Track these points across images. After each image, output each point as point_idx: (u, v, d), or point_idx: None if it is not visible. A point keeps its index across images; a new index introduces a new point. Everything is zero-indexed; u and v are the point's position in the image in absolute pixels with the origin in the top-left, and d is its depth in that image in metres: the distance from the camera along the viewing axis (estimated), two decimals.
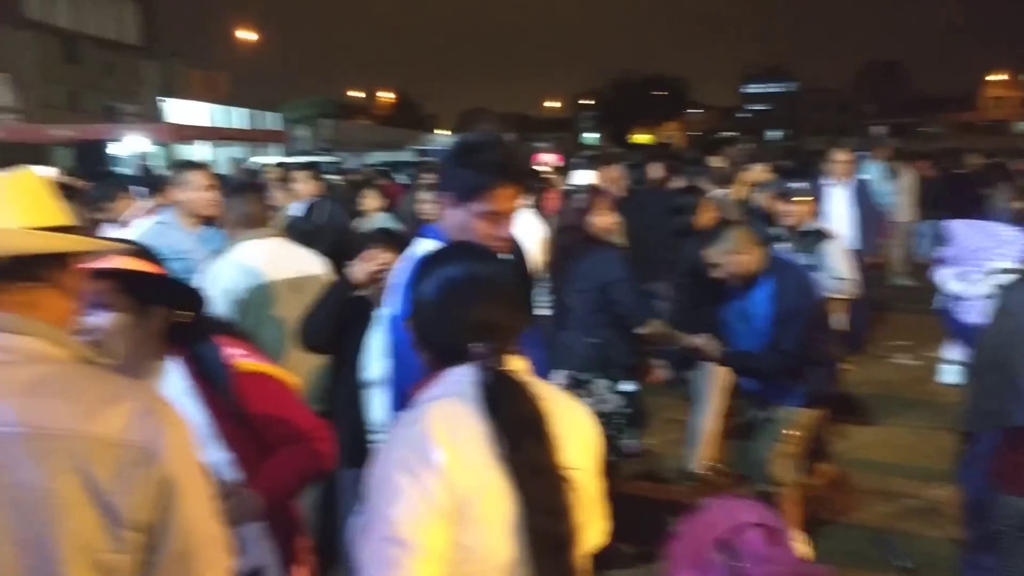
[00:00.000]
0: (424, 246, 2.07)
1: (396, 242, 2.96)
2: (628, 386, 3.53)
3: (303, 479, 2.04)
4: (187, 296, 1.96)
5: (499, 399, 1.44)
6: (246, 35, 41.28)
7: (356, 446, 2.76)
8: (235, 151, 26.28)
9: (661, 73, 75.47)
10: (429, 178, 6.09)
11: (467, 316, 1.50)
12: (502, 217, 2.10)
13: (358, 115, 57.75)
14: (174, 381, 1.89)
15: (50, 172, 8.45)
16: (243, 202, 3.43)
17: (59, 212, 1.32)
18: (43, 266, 1.27)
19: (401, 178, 13.27)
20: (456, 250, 1.72)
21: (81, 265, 1.35)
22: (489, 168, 2.07)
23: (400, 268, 2.14)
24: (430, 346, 1.55)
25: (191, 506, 1.25)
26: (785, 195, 4.76)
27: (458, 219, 2.09)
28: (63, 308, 1.32)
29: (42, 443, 1.17)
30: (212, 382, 1.91)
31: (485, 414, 1.43)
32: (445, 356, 1.52)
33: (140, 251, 1.90)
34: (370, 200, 6.80)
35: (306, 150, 29.72)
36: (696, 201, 4.64)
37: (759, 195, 5.65)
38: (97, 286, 1.71)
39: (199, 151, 24.65)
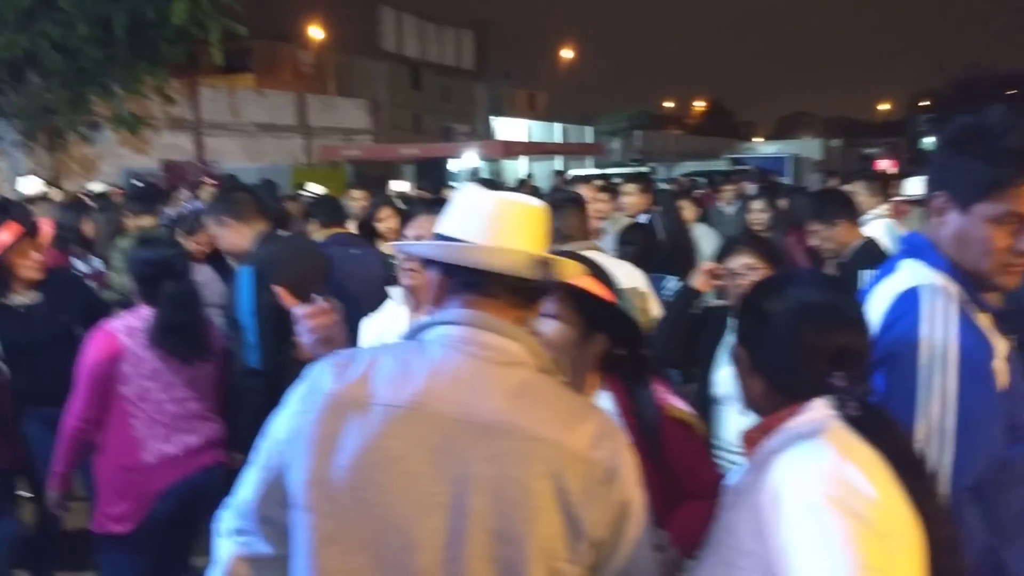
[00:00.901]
0: (910, 272, 1.65)
1: (762, 247, 2.81)
2: None
3: None
4: (630, 329, 1.95)
5: (879, 432, 1.32)
6: (565, 54, 43.13)
7: None
8: (553, 165, 27.47)
9: (1015, 69, 66.04)
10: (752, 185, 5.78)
11: (825, 344, 1.37)
12: None
13: (670, 125, 57.63)
14: None
15: (404, 186, 9.36)
16: (559, 215, 3.46)
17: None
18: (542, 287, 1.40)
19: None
20: (797, 273, 1.65)
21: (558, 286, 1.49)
22: (1011, 157, 1.55)
23: (879, 298, 1.69)
24: (774, 376, 1.44)
25: (637, 532, 1.29)
26: None
27: (960, 227, 1.60)
28: (533, 320, 1.45)
29: (526, 444, 1.24)
30: (642, 422, 1.87)
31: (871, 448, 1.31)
32: (791, 388, 1.41)
33: (600, 273, 1.92)
34: (686, 211, 6.72)
35: (617, 162, 30.21)
36: None
37: None
38: (556, 297, 1.78)
39: (517, 166, 26.11)
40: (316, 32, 27.67)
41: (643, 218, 5.50)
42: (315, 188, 9.33)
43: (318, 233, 5.16)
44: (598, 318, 1.85)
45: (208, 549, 3.24)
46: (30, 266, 3.70)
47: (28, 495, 4.43)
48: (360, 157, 22.37)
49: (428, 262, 1.42)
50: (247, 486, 1.40)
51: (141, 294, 3.18)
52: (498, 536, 1.21)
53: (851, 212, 3.99)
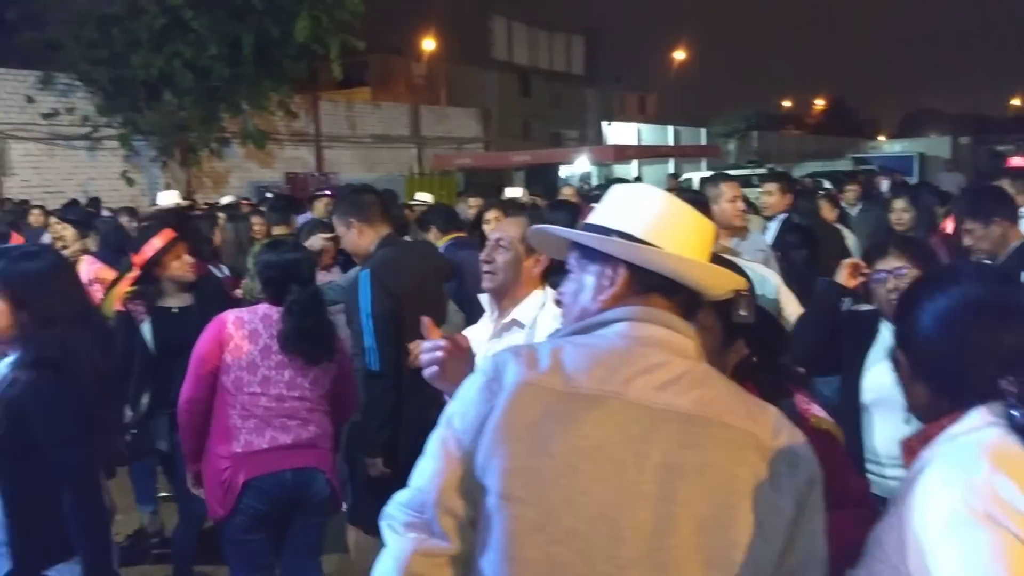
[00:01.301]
0: None
1: (912, 248, 2.63)
2: None
3: (854, 548, 1.84)
4: (772, 336, 1.88)
5: None
6: (677, 55, 42.46)
7: None
8: (666, 168, 27.03)
9: None
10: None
11: (993, 344, 1.27)
12: None
13: (788, 125, 55.79)
14: None
15: (517, 192, 9.38)
16: None
17: None
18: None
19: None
20: (961, 267, 1.55)
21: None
22: None
23: None
24: (938, 381, 1.35)
25: (819, 516, 1.29)
26: None
27: None
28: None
29: (725, 431, 1.25)
30: None
31: None
32: (957, 393, 1.31)
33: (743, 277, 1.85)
34: (824, 211, 6.47)
35: (733, 164, 29.48)
36: None
37: None
38: None
39: (629, 170, 25.84)
40: (428, 44, 28.24)
41: (777, 220, 5.24)
42: (424, 197, 9.48)
43: (438, 239, 5.22)
44: (739, 324, 1.75)
45: (303, 550, 3.33)
46: (183, 267, 3.91)
47: (166, 495, 4.64)
48: (471, 165, 22.65)
49: (604, 259, 1.40)
50: (424, 478, 1.34)
51: (267, 295, 3.28)
52: (705, 523, 1.21)
53: (1010, 210, 3.67)
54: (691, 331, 1.38)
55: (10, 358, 2.22)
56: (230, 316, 3.19)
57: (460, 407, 1.34)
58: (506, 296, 2.59)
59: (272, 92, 16.82)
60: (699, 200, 3.61)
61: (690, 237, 1.40)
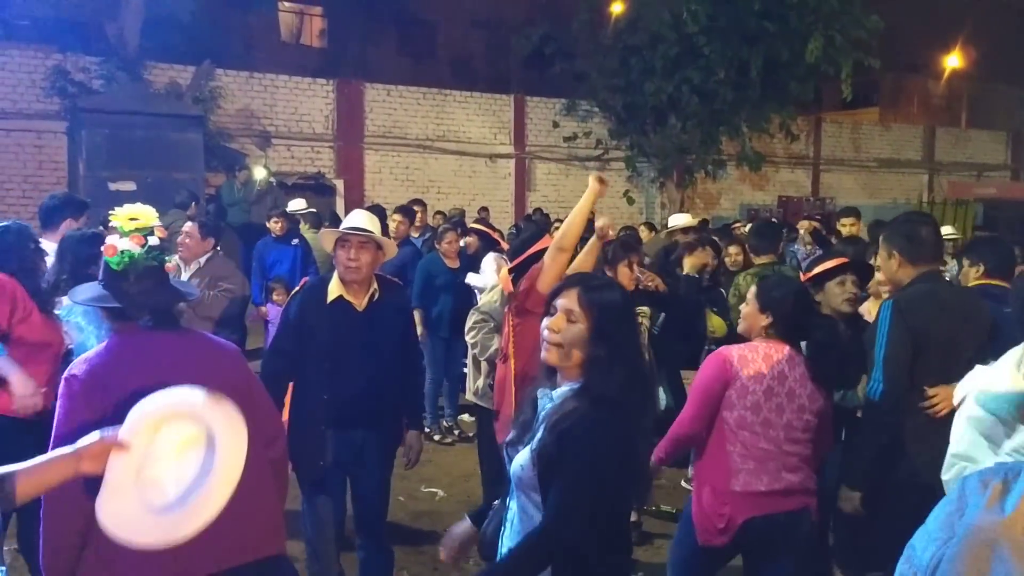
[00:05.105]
0: None
1: None
2: None
3: None
4: None
5: None
6: None
7: None
8: None
9: None
10: None
11: None
12: None
13: None
14: None
15: None
16: None
17: None
18: None
19: None
20: None
21: None
22: None
23: None
24: None
25: None
26: None
27: None
28: None
29: None
30: None
31: None
32: None
33: None
34: None
35: None
36: None
37: None
38: None
39: None
40: (952, 60, 25.33)
41: None
42: (947, 230, 8.35)
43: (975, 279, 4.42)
44: None
45: None
46: (843, 295, 4.04)
47: None
48: (995, 196, 19.83)
49: None
50: None
51: (774, 333, 3.17)
52: None
53: None
54: None
55: (566, 387, 2.12)
56: (734, 353, 3.14)
57: (923, 536, 1.20)
58: None
59: (774, 114, 16.56)
60: None
61: None
